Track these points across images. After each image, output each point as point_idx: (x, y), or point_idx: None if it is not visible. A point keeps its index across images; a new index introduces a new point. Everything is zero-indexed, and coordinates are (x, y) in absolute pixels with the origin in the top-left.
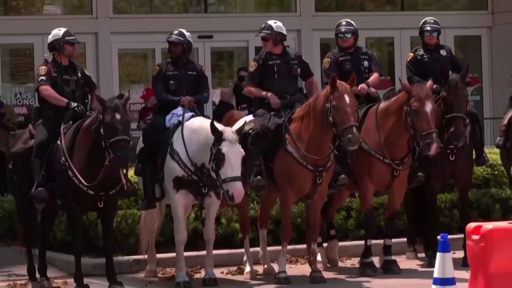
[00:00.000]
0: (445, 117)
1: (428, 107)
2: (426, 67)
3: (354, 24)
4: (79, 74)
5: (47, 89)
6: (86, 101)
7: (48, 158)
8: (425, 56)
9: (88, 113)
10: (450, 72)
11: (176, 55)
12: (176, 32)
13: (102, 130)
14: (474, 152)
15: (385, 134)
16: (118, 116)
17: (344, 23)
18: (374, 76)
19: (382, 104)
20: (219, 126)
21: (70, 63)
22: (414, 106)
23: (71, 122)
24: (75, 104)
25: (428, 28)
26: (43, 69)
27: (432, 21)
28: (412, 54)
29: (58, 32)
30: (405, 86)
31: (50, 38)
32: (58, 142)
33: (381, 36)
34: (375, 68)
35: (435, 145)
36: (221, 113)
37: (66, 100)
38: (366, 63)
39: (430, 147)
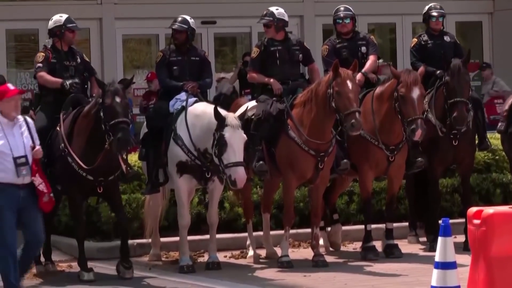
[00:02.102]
0: (447, 102)
1: (415, 93)
2: (430, 53)
3: (352, 9)
4: (79, 60)
5: (42, 76)
6: (86, 86)
7: (48, 144)
8: (429, 42)
9: (88, 99)
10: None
11: (180, 42)
12: (179, 19)
13: (102, 114)
14: (476, 137)
15: (379, 119)
16: (118, 99)
17: (342, 8)
18: (370, 61)
19: (378, 90)
20: (222, 112)
21: (69, 49)
22: (401, 92)
23: (70, 108)
24: (70, 81)
25: (435, 13)
26: (41, 56)
27: (438, 6)
28: (416, 40)
29: (60, 18)
30: (394, 72)
31: (51, 24)
32: (58, 129)
33: (383, 22)
34: (372, 50)
35: (419, 131)
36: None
37: (60, 80)
38: (363, 49)
39: (415, 133)
